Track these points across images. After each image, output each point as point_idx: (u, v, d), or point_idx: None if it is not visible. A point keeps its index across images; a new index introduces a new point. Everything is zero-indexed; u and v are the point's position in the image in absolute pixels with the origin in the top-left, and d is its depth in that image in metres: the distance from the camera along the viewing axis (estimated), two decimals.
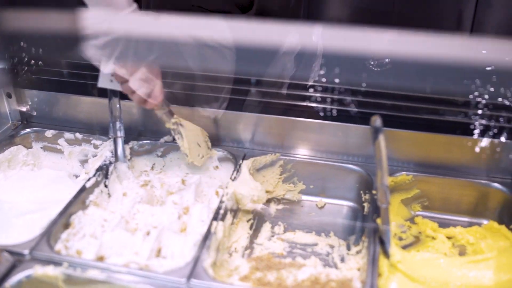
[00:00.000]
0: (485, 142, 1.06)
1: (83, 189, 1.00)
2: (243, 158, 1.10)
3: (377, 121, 0.83)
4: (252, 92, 1.19)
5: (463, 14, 2.39)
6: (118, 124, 1.08)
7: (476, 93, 0.90)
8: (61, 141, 1.23)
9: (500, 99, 0.91)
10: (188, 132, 1.08)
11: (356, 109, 1.07)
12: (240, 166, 1.08)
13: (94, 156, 1.19)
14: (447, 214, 1.11)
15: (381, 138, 0.84)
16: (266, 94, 1.17)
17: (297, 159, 1.12)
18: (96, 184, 1.03)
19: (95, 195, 1.01)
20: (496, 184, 1.08)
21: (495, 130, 1.05)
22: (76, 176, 1.19)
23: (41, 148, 1.24)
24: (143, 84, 1.00)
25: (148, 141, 1.16)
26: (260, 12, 1.31)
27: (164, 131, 1.14)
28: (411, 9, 2.39)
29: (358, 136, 1.09)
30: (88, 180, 1.03)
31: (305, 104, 1.10)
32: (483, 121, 1.04)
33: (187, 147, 1.06)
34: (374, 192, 1.01)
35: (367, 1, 2.41)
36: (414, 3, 2.39)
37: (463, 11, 2.39)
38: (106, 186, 1.05)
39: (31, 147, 1.24)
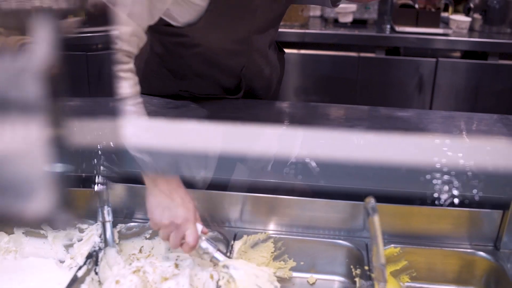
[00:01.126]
0: (466, 212, 1.10)
1: (74, 279, 0.98)
2: (234, 238, 1.11)
3: (371, 202, 0.86)
4: (239, 170, 1.20)
5: (423, 79, 2.49)
6: (106, 209, 1.07)
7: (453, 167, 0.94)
8: (44, 225, 1.21)
9: (475, 171, 0.96)
10: (243, 274, 1.00)
11: (341, 185, 1.09)
12: (232, 247, 1.08)
13: (80, 240, 1.17)
14: (435, 284, 1.13)
15: (376, 219, 0.86)
16: (252, 172, 1.19)
17: (288, 236, 1.13)
18: (87, 272, 1.01)
19: (86, 284, 0.99)
20: (480, 252, 1.11)
21: (474, 200, 1.09)
22: (61, 262, 1.16)
23: (23, 233, 1.22)
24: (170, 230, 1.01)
25: (136, 224, 1.16)
26: (247, 95, 1.35)
27: None
28: (374, 76, 2.49)
29: (346, 212, 1.12)
30: (79, 269, 1.01)
31: (291, 182, 1.13)
32: (464, 193, 1.08)
33: None
34: (366, 268, 1.02)
35: (332, 70, 2.50)
36: (377, 70, 2.49)
37: (424, 75, 2.50)
38: (96, 273, 1.03)
39: (13, 233, 1.21)
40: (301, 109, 1.30)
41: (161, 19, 1.23)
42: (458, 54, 2.53)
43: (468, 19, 2.63)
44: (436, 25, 2.55)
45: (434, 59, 2.48)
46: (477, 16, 2.67)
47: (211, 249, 1.02)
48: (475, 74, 2.49)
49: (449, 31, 2.53)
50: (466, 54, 2.52)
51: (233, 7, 1.17)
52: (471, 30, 2.66)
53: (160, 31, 1.27)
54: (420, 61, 2.49)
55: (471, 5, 2.70)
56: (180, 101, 1.28)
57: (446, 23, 2.71)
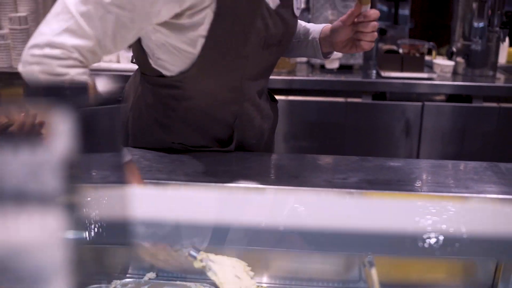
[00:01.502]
0: (460, 261, 1.11)
1: None
2: None
3: (368, 256, 0.86)
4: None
5: (410, 122, 2.53)
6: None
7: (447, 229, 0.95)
8: None
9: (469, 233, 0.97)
10: (222, 266, 1.06)
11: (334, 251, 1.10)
12: None
13: None
14: None
15: (374, 272, 0.87)
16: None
17: None
18: None
19: None
20: None
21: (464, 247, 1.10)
22: None
23: None
24: None
25: (131, 279, 1.15)
26: (239, 145, 1.36)
27: (148, 266, 1.13)
28: (362, 120, 2.53)
29: (340, 264, 1.12)
30: None
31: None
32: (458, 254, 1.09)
33: (224, 283, 1.04)
34: None
35: (320, 115, 2.54)
36: (364, 115, 2.53)
37: (410, 119, 2.54)
38: None
39: None
40: (293, 161, 1.32)
41: (154, 70, 1.25)
42: (443, 97, 2.58)
43: (452, 63, 2.69)
44: (421, 70, 2.61)
45: (419, 103, 2.53)
46: (460, 59, 2.74)
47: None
48: (461, 117, 2.54)
49: (434, 75, 2.59)
50: (451, 97, 2.57)
51: (224, 54, 1.19)
52: (455, 73, 2.72)
53: (153, 83, 1.29)
54: (406, 105, 2.53)
55: (454, 49, 2.77)
56: (174, 155, 1.29)
57: (430, 67, 2.77)
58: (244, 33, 1.18)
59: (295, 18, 1.33)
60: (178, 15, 1.13)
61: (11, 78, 2.61)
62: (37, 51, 1.02)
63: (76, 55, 1.03)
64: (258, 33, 1.21)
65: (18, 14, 2.64)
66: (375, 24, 1.28)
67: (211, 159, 1.26)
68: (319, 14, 2.68)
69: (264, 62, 1.30)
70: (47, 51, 1.02)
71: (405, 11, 2.95)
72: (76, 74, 1.03)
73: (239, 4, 1.17)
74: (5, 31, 2.68)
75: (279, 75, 2.51)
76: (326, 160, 1.28)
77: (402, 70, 2.60)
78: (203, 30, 1.15)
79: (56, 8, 1.05)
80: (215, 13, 1.14)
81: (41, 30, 1.04)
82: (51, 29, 1.03)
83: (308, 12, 2.80)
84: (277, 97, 1.56)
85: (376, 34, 1.30)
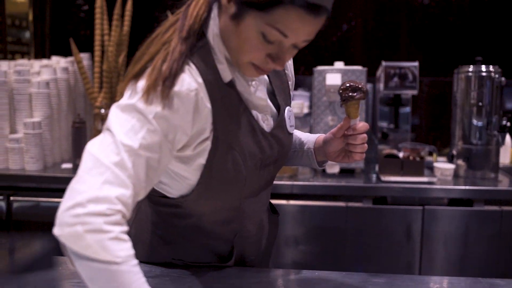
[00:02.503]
0: None
1: None
2: None
3: None
4: None
5: (412, 227, 2.54)
6: None
7: None
8: None
9: None
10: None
11: None
12: None
13: None
14: None
15: None
16: None
17: None
18: None
19: None
20: None
21: None
22: None
23: None
24: None
25: None
26: (239, 262, 1.40)
27: None
28: (363, 225, 2.55)
29: None
30: None
31: None
32: None
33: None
34: None
35: (321, 219, 2.56)
36: (365, 219, 2.55)
37: (411, 223, 2.55)
38: None
39: None
40: (293, 277, 1.36)
41: (156, 191, 1.31)
42: (444, 201, 2.60)
43: (452, 166, 2.73)
44: (421, 174, 2.64)
45: (420, 207, 2.55)
46: (460, 162, 2.78)
47: None
48: (462, 220, 2.55)
49: (434, 179, 2.62)
50: (452, 201, 2.59)
51: (222, 180, 1.25)
52: (456, 176, 2.75)
53: (154, 201, 1.35)
54: (407, 210, 2.55)
55: (454, 152, 2.82)
56: (173, 269, 1.34)
57: (430, 169, 2.80)
58: (240, 159, 1.24)
59: (290, 134, 1.38)
60: (184, 147, 1.19)
61: (23, 180, 2.70)
62: (80, 210, 0.97)
63: (120, 207, 1.00)
64: (254, 157, 1.27)
65: (32, 120, 2.76)
66: (365, 137, 1.35)
67: (210, 275, 1.31)
68: (320, 120, 2.77)
69: (262, 180, 1.35)
70: (92, 207, 0.97)
71: (406, 111, 3.02)
72: (119, 232, 0.99)
73: (233, 133, 1.23)
74: (20, 135, 2.79)
75: (280, 179, 2.56)
76: (331, 276, 1.32)
77: (402, 175, 2.65)
78: (203, 159, 1.21)
79: (86, 164, 1.03)
80: (212, 142, 1.20)
81: (77, 189, 1.00)
82: (89, 185, 0.99)
83: (310, 117, 2.89)
84: (278, 201, 1.61)
85: (366, 146, 1.37)
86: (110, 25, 3.15)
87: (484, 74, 2.73)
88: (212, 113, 1.18)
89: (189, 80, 1.14)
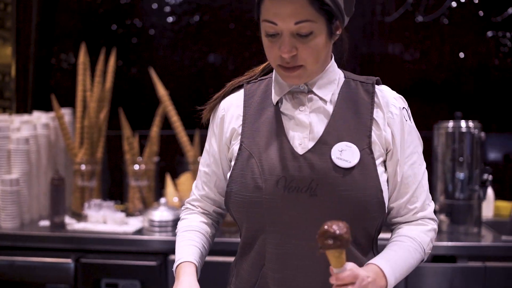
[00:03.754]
0: None
1: None
2: None
3: None
4: None
5: (396, 285, 2.49)
6: None
7: None
8: None
9: None
10: None
11: None
12: None
13: None
14: None
15: None
16: None
17: None
18: None
19: None
20: None
21: None
22: None
23: None
24: None
25: None
26: None
27: None
28: None
29: None
30: None
31: None
32: None
33: None
34: None
35: None
36: None
37: None
38: None
39: None
40: None
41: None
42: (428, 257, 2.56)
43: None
44: None
45: None
46: (443, 217, 2.76)
47: None
48: (446, 277, 2.51)
49: None
50: (435, 258, 2.55)
51: (241, 187, 1.39)
52: (439, 231, 2.72)
53: None
54: None
55: (437, 206, 2.80)
56: None
57: None
58: (256, 169, 1.37)
59: (332, 164, 1.34)
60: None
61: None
62: None
63: None
64: (274, 171, 1.35)
65: (9, 177, 2.72)
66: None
67: None
68: None
69: (293, 208, 1.35)
70: None
71: None
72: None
73: (258, 145, 1.40)
74: None
75: None
76: None
77: (384, 231, 2.61)
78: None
79: None
80: (239, 148, 1.42)
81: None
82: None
83: None
84: None
85: None
86: (92, 80, 3.16)
87: (464, 129, 2.75)
88: (243, 124, 1.43)
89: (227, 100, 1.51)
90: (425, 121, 3.01)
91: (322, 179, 1.32)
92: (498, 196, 3.19)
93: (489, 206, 3.08)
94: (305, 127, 1.37)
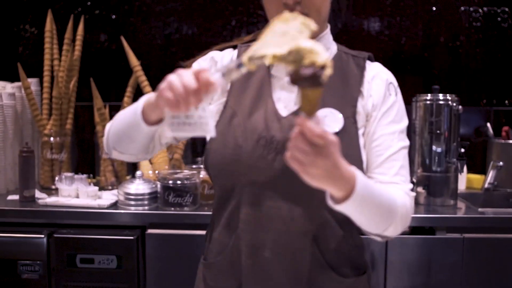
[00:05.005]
0: None
1: None
2: None
3: None
4: None
5: (375, 256, 2.50)
6: None
7: None
8: None
9: None
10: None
11: None
12: None
13: None
14: None
15: None
16: None
17: None
18: None
19: None
20: None
21: None
22: None
23: None
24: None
25: None
26: None
27: None
28: None
29: None
30: None
31: None
32: None
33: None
34: None
35: None
36: None
37: (375, 252, 2.51)
38: None
39: None
40: None
41: None
42: (406, 230, 2.57)
43: (413, 193, 2.71)
44: None
45: None
46: (420, 190, 2.77)
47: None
48: (425, 249, 2.52)
49: None
50: (414, 230, 2.56)
51: (221, 142, 1.37)
52: (416, 203, 2.74)
53: None
54: (370, 239, 2.50)
55: (414, 179, 2.81)
56: None
57: None
58: (238, 126, 1.37)
59: None
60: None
61: None
62: None
63: None
64: (255, 131, 1.35)
65: None
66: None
67: None
68: None
69: (272, 169, 1.33)
70: None
71: None
72: None
73: (242, 103, 1.40)
74: None
75: None
76: None
77: None
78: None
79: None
80: (224, 106, 1.42)
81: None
82: None
83: None
84: None
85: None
86: (60, 49, 3.02)
87: (441, 102, 2.75)
88: (231, 84, 1.41)
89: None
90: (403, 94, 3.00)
91: None
92: (469, 169, 3.24)
93: (462, 179, 3.12)
94: (291, 91, 1.37)
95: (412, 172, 2.83)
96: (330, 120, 1.34)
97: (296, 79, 0.97)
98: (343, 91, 1.39)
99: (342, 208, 1.15)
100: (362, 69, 1.44)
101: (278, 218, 1.33)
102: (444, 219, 2.55)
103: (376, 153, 1.38)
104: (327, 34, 1.47)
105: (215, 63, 1.49)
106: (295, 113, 1.32)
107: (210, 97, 1.07)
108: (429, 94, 2.78)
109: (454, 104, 2.75)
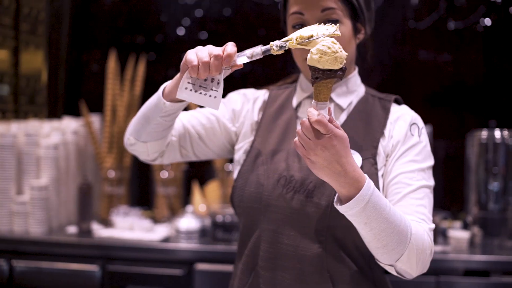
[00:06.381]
0: None
1: None
2: None
3: None
4: None
5: None
6: None
7: None
8: None
9: None
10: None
11: None
12: None
13: None
14: None
15: None
16: None
17: None
18: None
19: None
20: None
21: None
22: None
23: None
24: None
25: None
26: None
27: None
28: None
29: None
30: None
31: None
32: None
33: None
34: None
35: None
36: None
37: None
38: None
39: None
40: None
41: None
42: (459, 271, 2.48)
43: (467, 235, 2.61)
44: (435, 243, 2.54)
45: (434, 276, 2.44)
46: (476, 229, 2.67)
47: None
48: None
49: (448, 248, 2.52)
50: (467, 271, 2.47)
51: (245, 176, 1.44)
52: (472, 244, 2.64)
53: None
54: (419, 281, 2.44)
55: (470, 218, 2.72)
56: None
57: (444, 234, 2.69)
58: (262, 163, 1.44)
59: None
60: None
61: (26, 244, 2.65)
62: None
63: None
64: (277, 170, 1.40)
65: (38, 183, 2.74)
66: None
67: None
68: None
69: (288, 208, 1.36)
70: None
71: None
72: None
73: (268, 144, 1.45)
74: (26, 198, 2.76)
75: None
76: None
77: None
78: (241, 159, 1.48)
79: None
80: (250, 146, 1.48)
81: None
82: None
83: None
84: None
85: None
86: (121, 85, 3.17)
87: (498, 139, 2.66)
88: (260, 122, 1.49)
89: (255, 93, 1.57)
90: (457, 130, 2.94)
91: (320, 182, 1.32)
92: None
93: None
94: None
95: (467, 211, 2.74)
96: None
97: (317, 76, 1.08)
98: (366, 132, 1.40)
99: (345, 209, 1.15)
100: (387, 111, 1.44)
101: (294, 256, 1.35)
102: (499, 262, 2.44)
103: (394, 191, 1.34)
104: (355, 76, 1.49)
105: (247, 100, 1.56)
106: None
107: (228, 71, 1.18)
108: (484, 130, 2.70)
109: (511, 140, 2.65)
